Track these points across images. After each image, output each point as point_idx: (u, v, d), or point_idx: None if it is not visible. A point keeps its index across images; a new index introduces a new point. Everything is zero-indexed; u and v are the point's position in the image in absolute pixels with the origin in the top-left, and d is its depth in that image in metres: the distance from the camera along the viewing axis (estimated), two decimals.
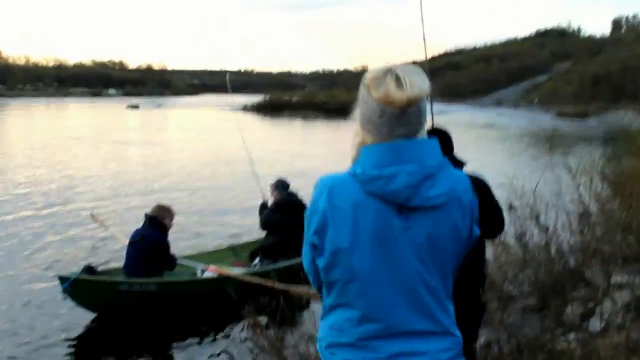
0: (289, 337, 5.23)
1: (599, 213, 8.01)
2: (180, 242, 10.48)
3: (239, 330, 7.49)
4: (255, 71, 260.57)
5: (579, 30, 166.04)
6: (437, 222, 1.82)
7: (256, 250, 9.52)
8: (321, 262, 1.91)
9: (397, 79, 1.78)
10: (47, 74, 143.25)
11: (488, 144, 32.74)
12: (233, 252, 9.98)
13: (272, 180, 9.91)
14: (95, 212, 11.63)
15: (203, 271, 8.56)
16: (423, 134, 1.87)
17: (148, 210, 8.43)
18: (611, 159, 11.68)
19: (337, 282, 1.88)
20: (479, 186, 3.58)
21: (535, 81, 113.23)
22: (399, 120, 1.78)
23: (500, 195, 8.62)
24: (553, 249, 6.77)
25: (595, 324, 5.09)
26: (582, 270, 6.30)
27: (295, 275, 7.93)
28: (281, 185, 9.66)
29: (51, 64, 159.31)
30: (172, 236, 8.66)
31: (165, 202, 9.41)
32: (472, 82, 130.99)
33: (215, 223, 13.24)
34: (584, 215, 7.41)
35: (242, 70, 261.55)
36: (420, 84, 1.79)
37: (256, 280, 7.84)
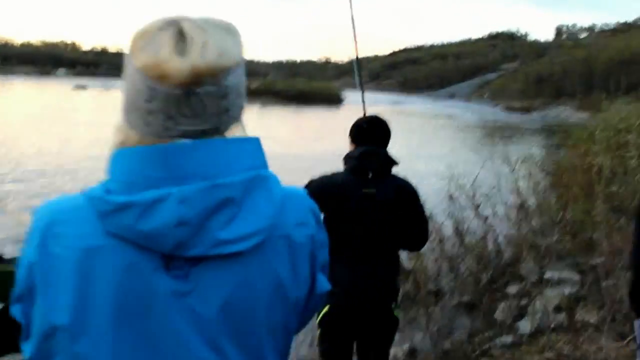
0: None
1: (536, 205, 7.40)
2: None
3: None
4: None
5: (526, 34, 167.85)
6: (243, 280, 0.95)
7: None
8: (28, 351, 0.96)
9: (181, 37, 0.93)
10: None
11: (436, 134, 32.15)
12: None
13: None
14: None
15: None
16: (235, 133, 1.00)
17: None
18: (550, 152, 11.07)
19: None
20: (406, 193, 3.01)
21: (486, 78, 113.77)
22: (182, 106, 0.92)
23: (441, 185, 8.06)
24: (490, 243, 6.14)
25: (525, 326, 4.45)
26: (517, 265, 5.66)
27: None
28: None
29: None
30: None
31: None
32: (428, 76, 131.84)
33: None
34: (522, 208, 6.78)
35: None
36: (222, 46, 0.95)
37: None
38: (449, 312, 5.37)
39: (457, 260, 6.14)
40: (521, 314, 4.84)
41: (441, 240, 6.30)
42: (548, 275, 5.16)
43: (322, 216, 1.15)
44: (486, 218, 6.63)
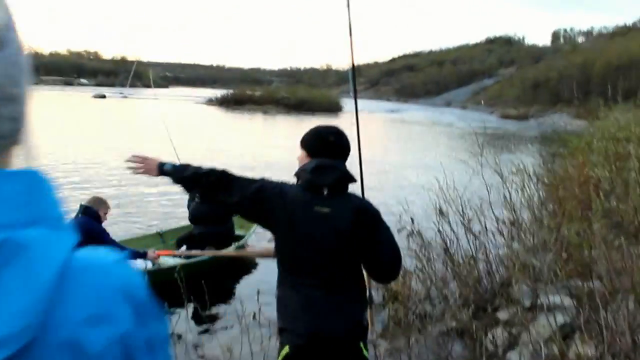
0: None
1: (530, 221, 7.06)
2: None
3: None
4: (226, 66, 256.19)
5: (523, 39, 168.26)
6: None
7: (184, 237, 8.74)
8: None
9: None
10: None
11: (431, 142, 31.88)
12: (160, 238, 9.11)
13: None
14: None
15: (150, 258, 7.35)
16: None
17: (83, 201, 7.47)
18: (546, 162, 10.72)
19: None
20: (367, 215, 2.68)
21: (483, 84, 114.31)
22: None
23: (430, 198, 7.73)
24: (481, 262, 5.80)
25: (516, 359, 4.10)
26: (509, 287, 5.31)
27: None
28: None
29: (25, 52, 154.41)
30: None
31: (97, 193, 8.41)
32: (425, 83, 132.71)
33: (143, 212, 12.01)
34: (514, 223, 6.43)
35: (215, 65, 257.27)
36: None
37: (231, 253, 8.01)
38: (437, 340, 5.03)
39: (445, 281, 5.80)
40: (512, 343, 4.50)
41: (429, 260, 5.97)
42: (542, 300, 4.81)
43: (144, 301, 0.69)
44: (477, 235, 6.29)
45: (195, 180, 2.76)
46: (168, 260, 7.78)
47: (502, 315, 4.96)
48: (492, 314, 5.08)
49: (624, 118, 10.76)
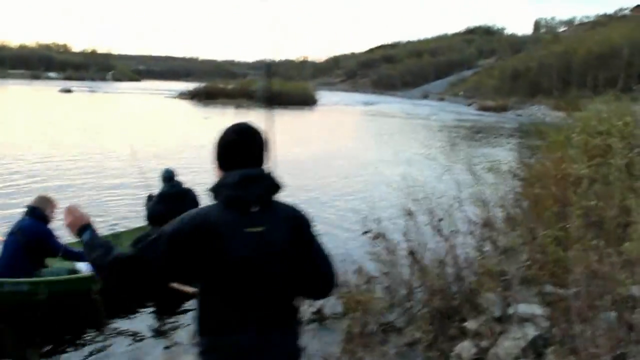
0: None
1: (504, 220, 6.78)
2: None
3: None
4: (200, 58, 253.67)
5: (503, 29, 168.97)
6: None
7: (141, 238, 8.31)
8: None
9: None
10: None
11: (406, 136, 31.64)
12: (117, 239, 8.71)
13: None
14: None
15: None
16: None
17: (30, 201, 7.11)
18: (523, 156, 10.48)
19: None
20: (302, 226, 2.35)
21: (462, 75, 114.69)
22: None
23: (398, 197, 7.41)
24: (449, 267, 5.49)
25: None
26: (479, 294, 5.01)
27: None
28: (165, 176, 8.72)
29: None
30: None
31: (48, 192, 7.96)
32: (403, 74, 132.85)
33: (100, 212, 11.50)
34: (487, 224, 6.14)
35: (187, 57, 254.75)
36: None
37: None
38: (400, 354, 4.72)
39: (411, 288, 5.50)
40: (480, 358, 4.20)
41: (394, 264, 5.66)
42: (513, 309, 4.52)
43: None
44: (447, 236, 5.99)
45: (101, 270, 2.31)
46: None
47: (471, 325, 4.65)
48: (460, 324, 4.77)
49: (606, 110, 10.55)
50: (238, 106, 54.32)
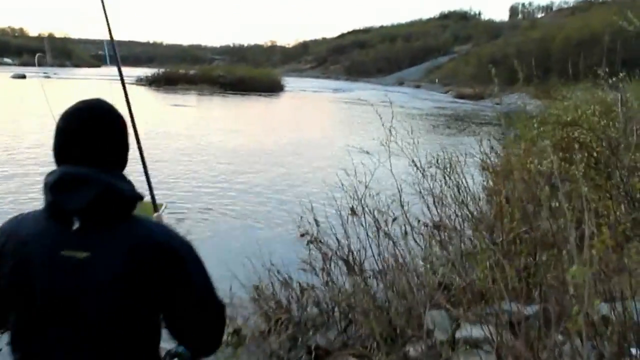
0: None
1: (463, 220, 6.25)
2: None
3: None
4: (164, 43, 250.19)
5: (479, 14, 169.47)
6: None
7: None
8: None
9: None
10: None
11: (368, 124, 31.09)
12: None
13: None
14: None
15: None
16: None
17: None
18: (493, 149, 9.98)
19: None
20: (155, 259, 1.64)
21: (437, 62, 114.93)
22: None
23: (347, 193, 6.86)
24: (395, 278, 4.94)
25: None
26: (424, 314, 4.46)
27: None
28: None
29: None
30: None
31: None
32: (377, 60, 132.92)
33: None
34: (439, 228, 5.61)
35: (151, 42, 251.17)
36: None
37: None
38: None
39: (350, 303, 4.94)
40: None
41: (330, 274, 5.10)
42: (464, 331, 3.99)
43: None
44: (395, 240, 5.45)
45: None
46: None
47: (415, 350, 4.12)
48: (402, 348, 4.23)
49: (581, 98, 10.10)
50: (200, 92, 53.57)
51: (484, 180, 9.03)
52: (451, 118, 38.18)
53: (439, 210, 6.04)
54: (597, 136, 5.48)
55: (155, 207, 10.59)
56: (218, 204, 11.98)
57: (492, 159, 9.94)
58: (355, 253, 5.21)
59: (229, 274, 7.79)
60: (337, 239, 5.49)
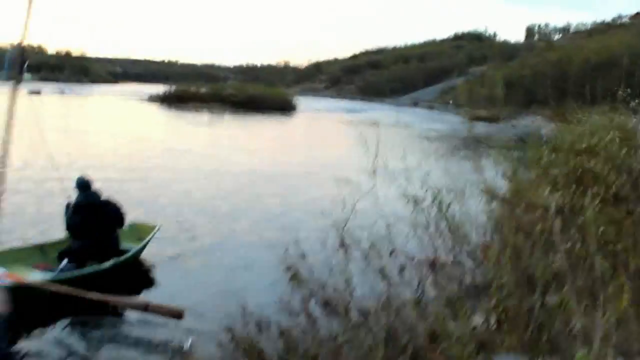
0: None
1: (468, 255, 5.75)
2: None
3: None
4: (179, 62, 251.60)
5: (494, 35, 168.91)
6: None
7: (65, 250, 8.61)
8: None
9: None
10: None
11: (381, 146, 30.61)
12: (40, 251, 8.85)
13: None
14: None
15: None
16: None
17: None
18: (506, 176, 9.38)
19: None
20: None
21: (452, 83, 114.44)
22: None
23: (336, 223, 6.37)
24: (389, 322, 4.43)
25: None
26: None
27: (102, 280, 7.78)
28: (78, 185, 8.79)
29: None
30: None
31: None
32: (391, 81, 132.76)
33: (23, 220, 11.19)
34: (436, 264, 5.11)
35: (167, 61, 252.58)
36: None
37: (64, 290, 6.80)
38: None
39: (335, 352, 4.43)
40: None
41: (310, 316, 4.59)
42: None
43: None
44: (389, 279, 4.97)
45: None
46: (38, 276, 7.77)
47: None
48: None
49: (598, 123, 9.57)
50: (211, 111, 53.47)
51: (490, 210, 8.56)
52: (464, 140, 37.61)
53: (435, 243, 5.57)
54: (617, 166, 4.96)
55: (150, 228, 9.87)
56: (208, 229, 11.70)
57: (500, 185, 9.44)
58: (341, 291, 4.71)
59: (203, 311, 7.39)
60: (323, 274, 5.01)
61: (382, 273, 5.02)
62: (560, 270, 4.26)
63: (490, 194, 8.60)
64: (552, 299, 4.35)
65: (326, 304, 4.45)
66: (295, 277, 4.81)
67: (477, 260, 5.63)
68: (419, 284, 4.93)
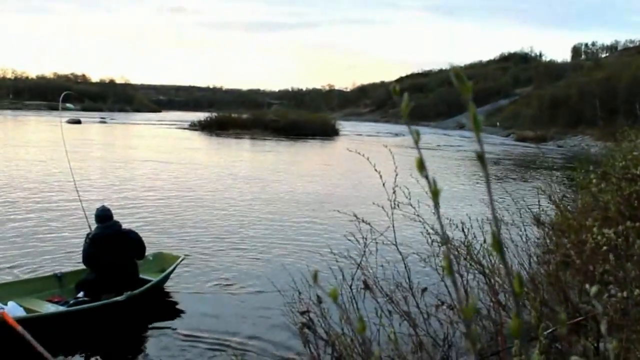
0: None
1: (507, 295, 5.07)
2: None
3: None
4: (224, 88, 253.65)
5: (540, 55, 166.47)
6: None
7: (83, 281, 8.57)
8: None
9: None
10: (3, 86, 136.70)
11: (438, 172, 29.88)
12: (59, 281, 8.78)
13: None
14: None
15: None
16: None
17: None
18: (560, 200, 8.61)
19: None
20: None
21: (498, 104, 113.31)
22: None
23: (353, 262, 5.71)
24: None
25: None
26: None
27: (117, 312, 7.82)
28: (97, 217, 8.71)
29: (8, 75, 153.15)
30: None
31: None
32: (436, 104, 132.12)
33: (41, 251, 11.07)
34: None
35: (211, 87, 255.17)
36: None
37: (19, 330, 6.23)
38: None
39: None
40: None
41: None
42: None
43: None
44: (416, 322, 4.35)
45: None
46: (51, 309, 7.66)
47: None
48: None
49: None
50: (253, 137, 53.31)
51: (538, 238, 7.87)
52: (511, 162, 36.67)
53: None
54: None
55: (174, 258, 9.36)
56: (232, 259, 11.25)
57: (548, 212, 8.70)
58: (359, 341, 4.10)
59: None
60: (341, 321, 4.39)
61: (409, 316, 4.41)
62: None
63: (536, 222, 7.91)
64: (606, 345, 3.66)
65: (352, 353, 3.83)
66: (309, 326, 4.20)
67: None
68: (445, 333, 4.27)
